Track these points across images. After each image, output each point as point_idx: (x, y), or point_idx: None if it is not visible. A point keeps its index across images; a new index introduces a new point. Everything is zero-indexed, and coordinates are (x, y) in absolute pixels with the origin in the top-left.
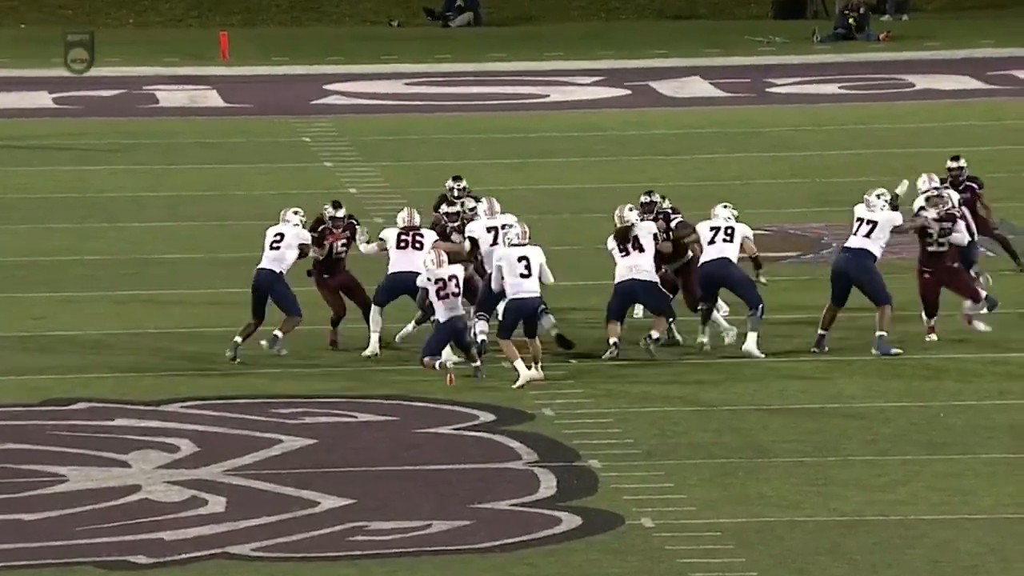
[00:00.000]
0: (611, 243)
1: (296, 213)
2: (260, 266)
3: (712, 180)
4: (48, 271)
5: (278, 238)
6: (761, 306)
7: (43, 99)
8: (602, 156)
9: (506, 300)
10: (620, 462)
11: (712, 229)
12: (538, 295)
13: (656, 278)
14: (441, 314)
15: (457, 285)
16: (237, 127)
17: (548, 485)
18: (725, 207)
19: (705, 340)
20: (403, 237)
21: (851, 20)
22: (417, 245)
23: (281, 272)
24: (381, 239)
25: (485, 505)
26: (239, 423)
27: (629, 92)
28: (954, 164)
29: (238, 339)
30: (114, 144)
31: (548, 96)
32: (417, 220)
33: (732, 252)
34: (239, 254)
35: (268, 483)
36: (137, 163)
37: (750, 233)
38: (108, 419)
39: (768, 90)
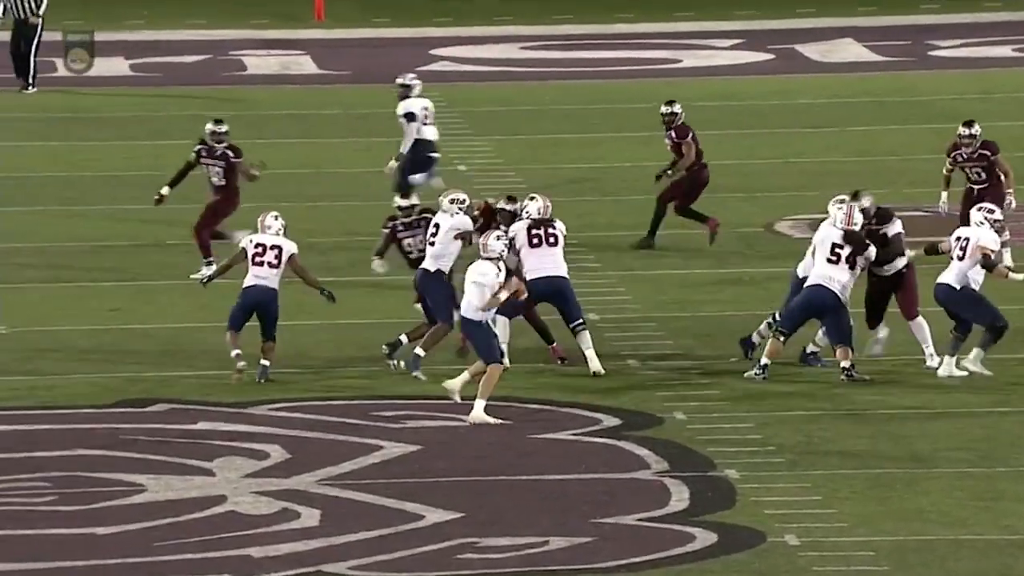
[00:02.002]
0: (837, 238)
1: (454, 202)
2: (423, 266)
3: (866, 155)
4: (122, 257)
5: (434, 231)
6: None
7: (119, 65)
8: (741, 128)
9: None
10: (761, 472)
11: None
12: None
13: (842, 294)
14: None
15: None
16: (333, 97)
17: (680, 497)
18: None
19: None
20: (535, 232)
21: None
22: (551, 240)
23: (439, 271)
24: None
25: (609, 520)
26: (335, 427)
27: (772, 56)
28: (965, 131)
29: (403, 337)
30: (196, 116)
31: (681, 61)
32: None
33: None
34: (334, 239)
35: (367, 494)
36: None
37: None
38: (190, 422)
39: (931, 53)
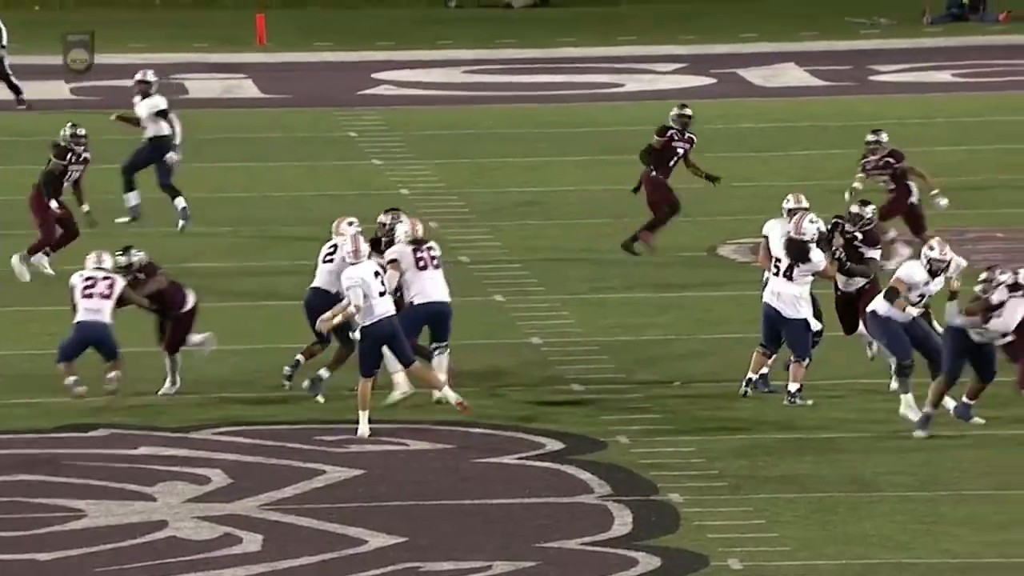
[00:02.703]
0: (777, 250)
1: (352, 224)
2: (313, 285)
3: (808, 179)
4: (61, 283)
5: (331, 251)
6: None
7: (60, 89)
8: None
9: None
10: (704, 496)
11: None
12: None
13: (790, 306)
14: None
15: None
16: (275, 120)
17: (623, 521)
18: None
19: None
20: (419, 255)
21: None
22: (435, 263)
23: (337, 292)
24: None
25: (553, 544)
26: (277, 452)
27: (714, 81)
28: (871, 137)
29: (300, 357)
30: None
31: (624, 85)
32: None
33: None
34: (277, 262)
35: (310, 519)
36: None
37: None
38: (131, 447)
39: (871, 78)
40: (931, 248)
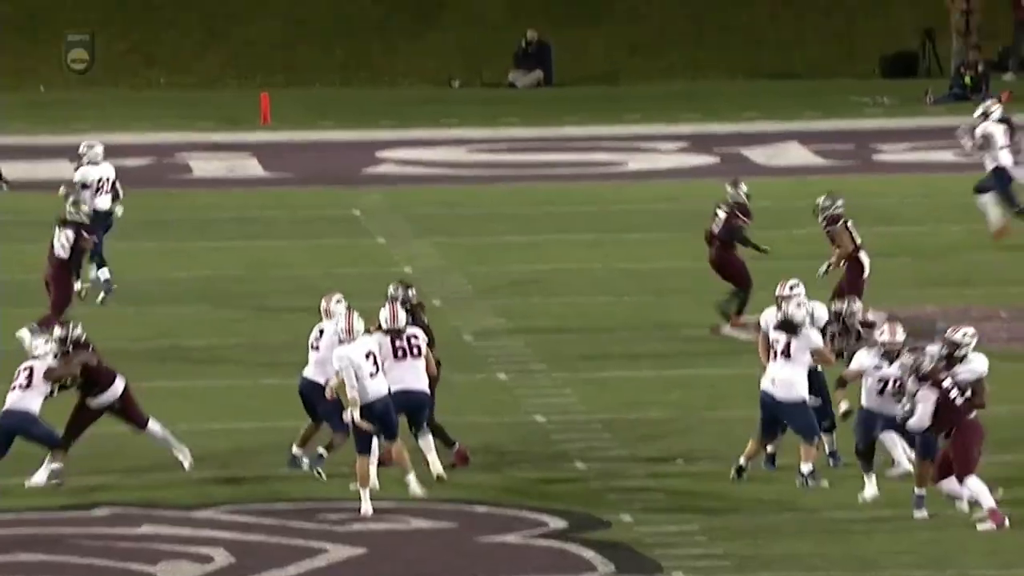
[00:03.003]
0: (773, 334)
1: (340, 302)
2: (304, 373)
3: (811, 257)
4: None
5: (318, 336)
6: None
7: (64, 169)
8: (687, 231)
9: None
10: (708, 575)
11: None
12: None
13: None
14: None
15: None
16: (279, 199)
17: None
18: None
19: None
20: (398, 344)
21: (968, 79)
22: (415, 351)
23: (327, 382)
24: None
25: None
26: (280, 531)
27: (718, 159)
28: (824, 202)
29: (296, 450)
30: (141, 219)
31: (627, 164)
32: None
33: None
34: (280, 339)
35: None
36: (167, 240)
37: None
38: (133, 526)
39: (875, 157)
40: (881, 333)
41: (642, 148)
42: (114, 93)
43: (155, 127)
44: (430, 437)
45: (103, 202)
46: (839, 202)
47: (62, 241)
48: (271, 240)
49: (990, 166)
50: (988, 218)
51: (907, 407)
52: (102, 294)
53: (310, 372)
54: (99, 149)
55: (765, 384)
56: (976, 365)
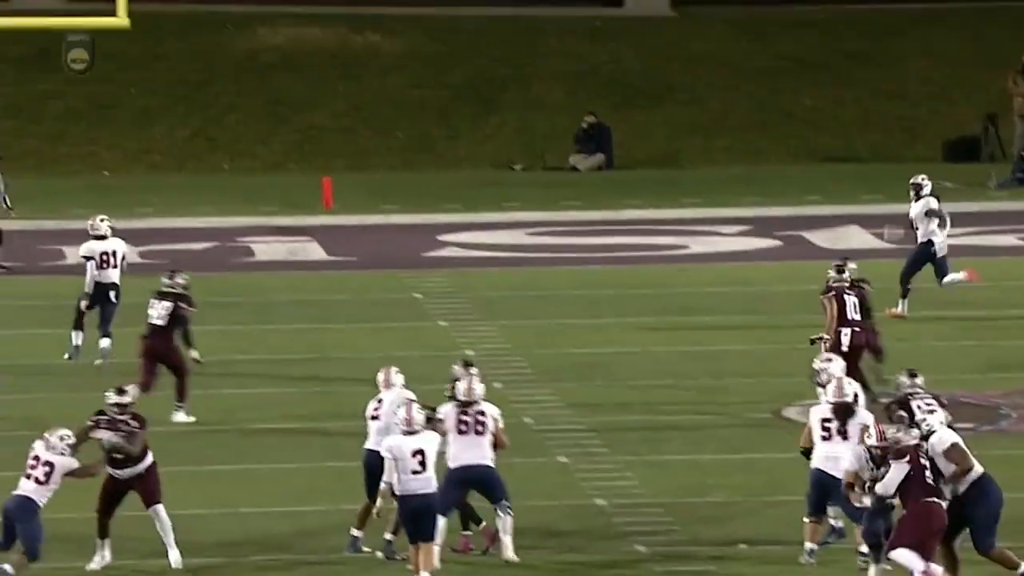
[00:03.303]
0: (816, 414)
1: (399, 373)
2: (367, 446)
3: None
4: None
5: (376, 406)
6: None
7: (128, 253)
8: (749, 314)
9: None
10: None
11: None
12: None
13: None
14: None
15: None
16: (341, 283)
17: None
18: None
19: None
20: (463, 418)
21: None
22: (479, 428)
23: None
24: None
25: None
26: None
27: (779, 243)
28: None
29: (356, 533)
30: (204, 301)
31: (688, 247)
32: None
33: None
34: (342, 422)
35: None
36: (229, 323)
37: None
38: None
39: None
40: (868, 436)
41: (703, 231)
42: (177, 179)
43: (218, 211)
44: (508, 519)
45: (110, 275)
46: (842, 275)
47: (159, 311)
48: (333, 323)
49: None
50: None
51: (878, 472)
52: (100, 360)
53: (372, 443)
54: (105, 224)
55: (819, 462)
56: (939, 438)
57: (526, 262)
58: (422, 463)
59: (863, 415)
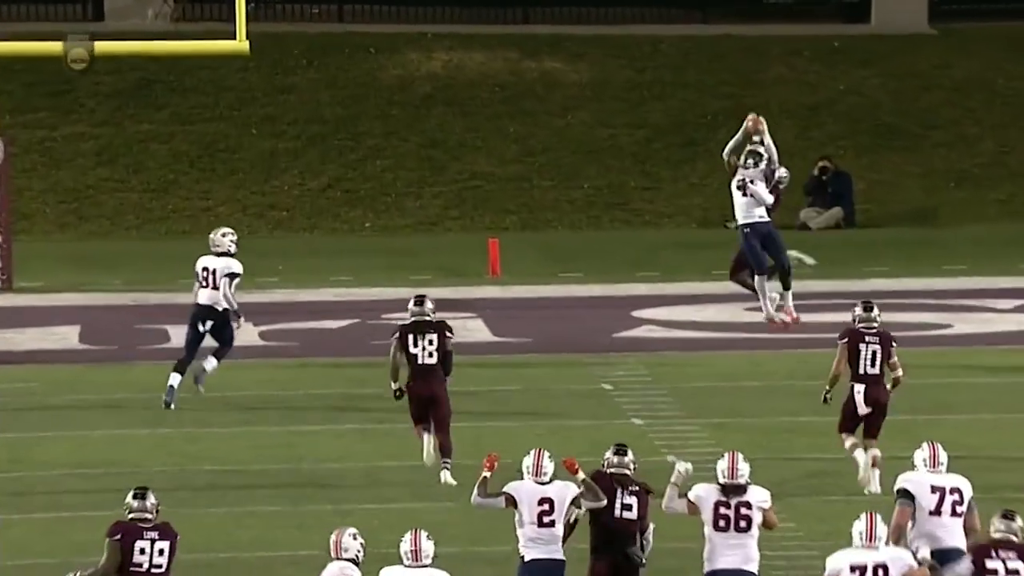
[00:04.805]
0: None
1: (552, 459)
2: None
3: None
4: (250, 569)
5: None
6: None
7: (247, 333)
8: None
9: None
10: None
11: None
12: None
13: None
14: None
15: None
16: (511, 370)
17: None
18: None
19: None
20: (723, 510)
21: None
22: (742, 524)
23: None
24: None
25: None
26: None
27: None
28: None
29: None
30: (341, 393)
31: (950, 326)
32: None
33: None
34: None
35: None
36: (368, 421)
37: None
38: None
39: None
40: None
41: (970, 306)
42: (308, 240)
43: (358, 281)
44: None
45: (202, 296)
46: (870, 313)
47: (424, 346)
48: (502, 420)
49: None
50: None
51: None
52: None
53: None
54: (227, 240)
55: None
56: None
57: (741, 344)
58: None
59: None
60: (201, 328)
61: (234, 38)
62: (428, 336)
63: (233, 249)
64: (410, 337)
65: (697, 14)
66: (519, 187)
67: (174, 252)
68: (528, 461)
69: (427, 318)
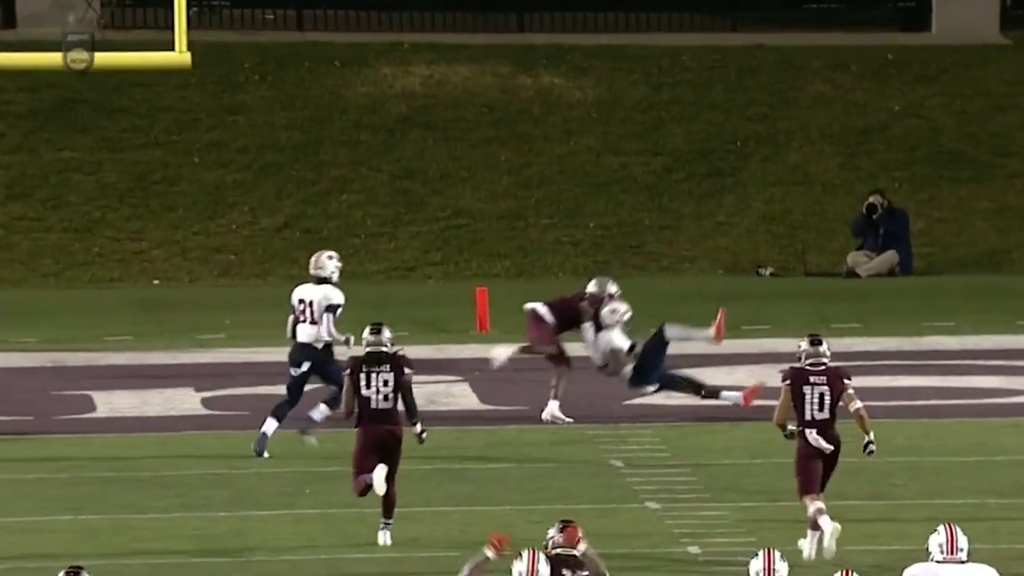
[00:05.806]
0: None
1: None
2: None
3: None
4: None
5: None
6: None
7: (191, 400)
8: None
9: None
10: None
11: None
12: None
13: None
14: None
15: None
16: (500, 443)
17: None
18: None
19: None
20: None
21: None
22: None
23: None
24: None
25: None
26: None
27: None
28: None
29: None
30: (289, 478)
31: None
32: None
33: None
34: None
35: None
36: (333, 507)
37: None
38: None
39: None
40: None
41: None
42: (261, 289)
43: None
44: None
45: (301, 332)
46: (818, 347)
47: (379, 387)
48: (492, 504)
49: None
50: None
51: None
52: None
53: None
54: (332, 263)
55: None
56: None
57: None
58: None
59: None
60: (301, 369)
61: (173, 49)
62: (382, 375)
63: (336, 277)
64: (362, 376)
65: (724, 21)
66: (512, 226)
67: (100, 303)
68: (521, 567)
69: (383, 350)
